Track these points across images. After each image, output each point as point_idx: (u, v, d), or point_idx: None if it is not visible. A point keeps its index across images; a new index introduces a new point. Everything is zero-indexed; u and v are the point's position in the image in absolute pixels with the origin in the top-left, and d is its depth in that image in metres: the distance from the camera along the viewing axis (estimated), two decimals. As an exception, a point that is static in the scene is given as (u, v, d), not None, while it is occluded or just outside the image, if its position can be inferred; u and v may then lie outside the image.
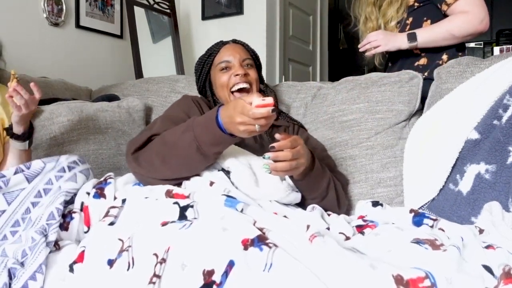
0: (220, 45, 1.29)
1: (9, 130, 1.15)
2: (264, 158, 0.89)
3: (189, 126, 0.93)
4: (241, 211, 0.84)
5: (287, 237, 0.72)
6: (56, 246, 0.83)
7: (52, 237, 0.81)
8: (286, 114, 1.37)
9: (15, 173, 0.95)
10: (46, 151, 1.32)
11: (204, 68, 1.28)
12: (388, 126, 1.31)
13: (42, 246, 0.78)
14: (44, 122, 1.34)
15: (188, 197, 0.90)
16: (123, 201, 0.93)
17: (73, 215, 0.90)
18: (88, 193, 0.95)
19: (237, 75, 1.19)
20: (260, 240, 0.66)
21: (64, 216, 0.90)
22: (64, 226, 0.88)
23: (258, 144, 1.19)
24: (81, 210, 0.92)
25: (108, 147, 1.46)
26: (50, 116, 1.37)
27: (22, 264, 0.78)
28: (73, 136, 1.39)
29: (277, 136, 0.90)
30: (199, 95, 1.33)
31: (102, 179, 1.00)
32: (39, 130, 1.32)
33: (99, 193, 0.94)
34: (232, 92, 1.21)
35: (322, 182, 1.05)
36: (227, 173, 0.98)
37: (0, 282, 0.74)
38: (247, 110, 0.83)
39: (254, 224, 0.75)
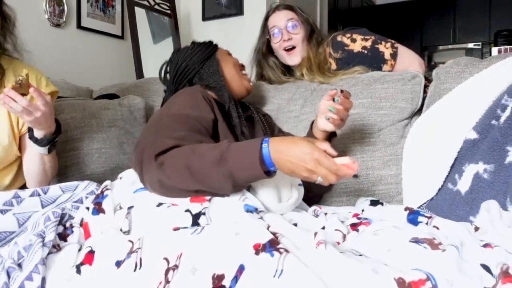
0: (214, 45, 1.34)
1: (29, 131, 1.11)
2: (334, 101, 1.02)
3: (223, 159, 0.81)
4: (260, 216, 0.81)
5: (298, 243, 0.72)
6: (57, 247, 0.82)
7: (49, 237, 0.80)
8: (256, 107, 1.37)
9: (31, 195, 0.93)
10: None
11: (211, 51, 1.27)
12: (392, 123, 1.32)
13: (37, 246, 0.77)
14: (46, 119, 1.35)
15: (208, 200, 0.84)
16: (129, 208, 0.89)
17: (73, 229, 0.89)
18: (88, 208, 0.92)
19: (241, 64, 1.31)
20: (272, 246, 0.66)
21: (64, 227, 0.89)
22: (62, 236, 0.87)
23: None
24: (81, 225, 0.90)
25: (111, 145, 1.46)
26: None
27: (19, 265, 0.77)
28: (76, 134, 1.39)
29: (336, 90, 1.02)
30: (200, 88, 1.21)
31: (99, 191, 0.96)
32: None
33: (97, 209, 0.90)
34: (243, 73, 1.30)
35: None
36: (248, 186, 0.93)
37: (0, 282, 0.74)
38: (327, 162, 0.77)
39: (268, 229, 0.73)
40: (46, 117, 1.04)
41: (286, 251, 0.65)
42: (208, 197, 0.84)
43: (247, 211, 0.81)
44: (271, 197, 0.90)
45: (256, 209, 0.84)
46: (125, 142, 1.50)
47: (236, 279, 0.62)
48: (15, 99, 0.97)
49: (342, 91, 1.02)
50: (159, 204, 0.86)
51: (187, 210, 0.80)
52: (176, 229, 0.77)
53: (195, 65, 1.24)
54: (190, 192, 0.85)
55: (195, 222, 0.78)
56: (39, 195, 0.94)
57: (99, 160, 1.42)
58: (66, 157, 1.36)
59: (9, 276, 0.75)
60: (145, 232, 0.80)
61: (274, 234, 0.72)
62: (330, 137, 1.12)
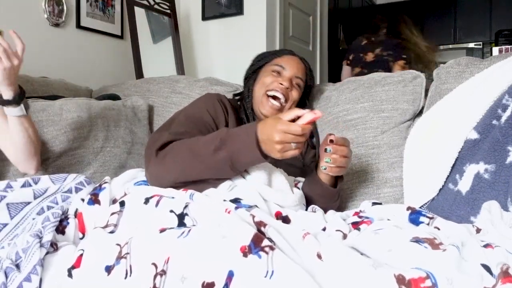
0: (288, 52, 1.30)
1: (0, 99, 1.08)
2: (325, 151, 0.95)
3: (222, 144, 0.89)
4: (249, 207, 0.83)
5: (284, 234, 0.72)
6: (54, 246, 0.81)
7: (47, 237, 0.80)
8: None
9: (23, 186, 0.95)
10: (57, 147, 1.34)
11: (262, 61, 1.30)
12: (394, 125, 1.31)
13: (35, 247, 0.77)
14: (53, 117, 1.35)
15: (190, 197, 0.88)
16: (122, 204, 0.90)
17: (69, 220, 0.89)
18: (83, 200, 0.93)
19: (281, 83, 1.20)
20: (256, 246, 0.66)
21: (60, 220, 0.89)
22: (60, 230, 0.87)
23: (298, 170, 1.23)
24: (75, 216, 0.90)
25: (116, 144, 1.48)
26: (59, 111, 1.38)
27: (17, 266, 0.77)
28: (83, 133, 1.41)
29: (331, 136, 0.95)
30: (221, 94, 1.27)
31: (97, 184, 0.98)
32: (49, 125, 1.34)
33: (93, 199, 0.91)
34: (268, 96, 1.21)
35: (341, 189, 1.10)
36: None
37: None
38: (292, 128, 0.83)
39: (254, 219, 0.75)
40: (18, 69, 1.05)
41: (271, 248, 0.65)
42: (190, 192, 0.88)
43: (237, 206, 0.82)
44: (261, 178, 0.93)
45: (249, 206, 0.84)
46: (129, 141, 1.53)
47: (226, 286, 0.62)
48: None
49: (331, 141, 0.95)
50: (146, 201, 0.88)
51: (171, 211, 0.82)
52: (162, 230, 0.76)
53: (249, 72, 1.32)
54: (186, 183, 0.93)
55: (181, 223, 0.79)
56: (30, 185, 0.96)
57: (103, 159, 1.44)
58: (71, 155, 1.37)
59: (7, 277, 0.74)
60: (132, 230, 0.81)
61: (260, 224, 0.73)
62: (337, 179, 1.07)
